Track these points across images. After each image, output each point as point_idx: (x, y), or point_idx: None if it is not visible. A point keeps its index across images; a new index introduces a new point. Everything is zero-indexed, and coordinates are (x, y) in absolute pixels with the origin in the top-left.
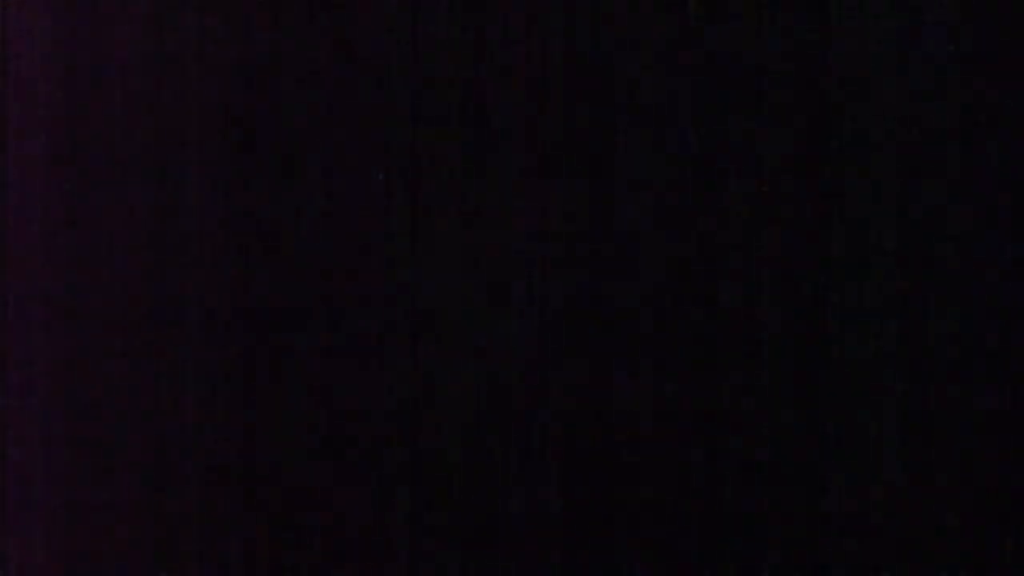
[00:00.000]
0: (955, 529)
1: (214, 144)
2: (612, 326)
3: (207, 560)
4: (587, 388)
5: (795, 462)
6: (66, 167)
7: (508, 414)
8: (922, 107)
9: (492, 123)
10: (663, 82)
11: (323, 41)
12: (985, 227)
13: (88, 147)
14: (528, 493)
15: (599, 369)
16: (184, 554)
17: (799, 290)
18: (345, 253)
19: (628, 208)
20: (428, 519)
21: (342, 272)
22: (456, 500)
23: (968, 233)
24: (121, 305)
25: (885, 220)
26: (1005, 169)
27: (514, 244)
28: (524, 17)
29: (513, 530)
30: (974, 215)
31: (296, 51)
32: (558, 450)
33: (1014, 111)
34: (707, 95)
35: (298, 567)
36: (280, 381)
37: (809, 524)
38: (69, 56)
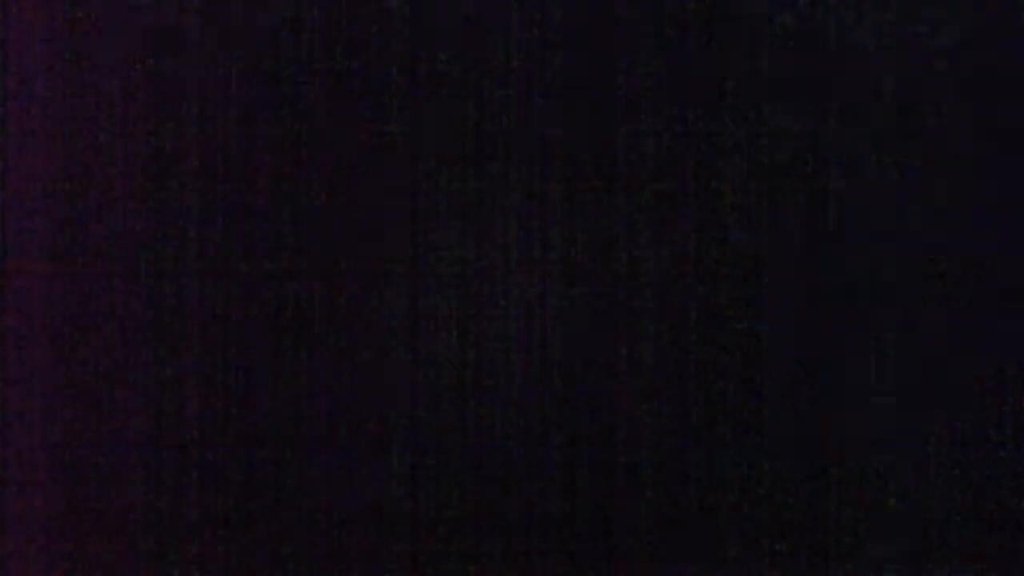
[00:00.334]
0: (954, 531)
1: (214, 143)
2: (613, 328)
3: (208, 560)
4: (588, 387)
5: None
6: (66, 167)
7: (508, 414)
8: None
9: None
10: (663, 82)
11: (323, 42)
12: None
13: (88, 147)
14: (528, 493)
15: (600, 370)
16: (185, 554)
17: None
18: (345, 253)
19: (628, 209)
20: (428, 519)
21: (342, 273)
22: (456, 500)
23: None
24: (121, 305)
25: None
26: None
27: (514, 244)
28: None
29: (513, 530)
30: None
31: (297, 52)
32: (558, 450)
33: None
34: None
35: (298, 567)
36: (280, 381)
37: (811, 528)
38: (69, 56)
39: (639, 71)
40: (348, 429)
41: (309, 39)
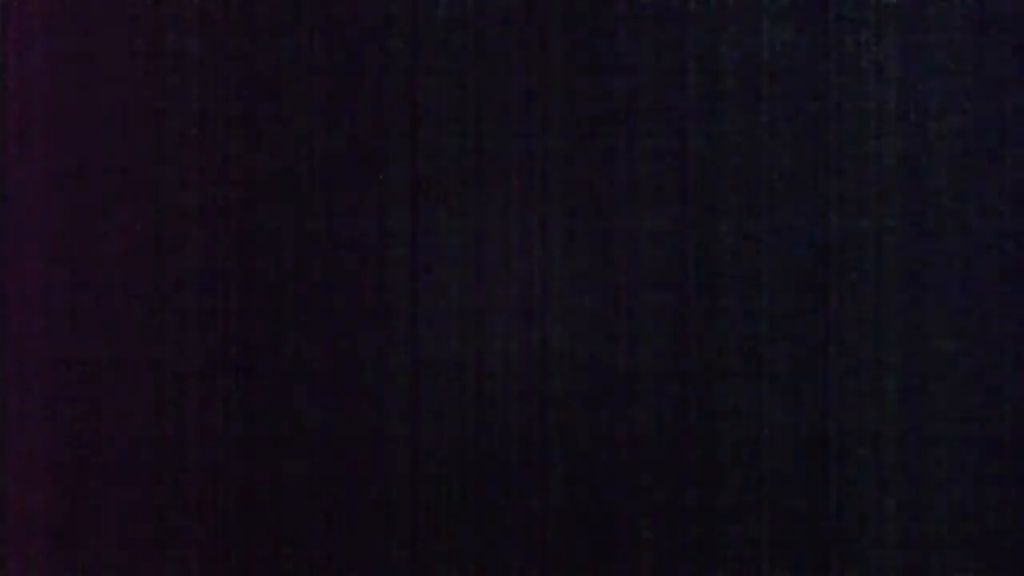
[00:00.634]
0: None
1: (214, 142)
2: (614, 327)
3: (208, 560)
4: (587, 388)
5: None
6: (67, 167)
7: (508, 415)
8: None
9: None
10: (663, 83)
11: (323, 43)
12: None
13: (88, 147)
14: (528, 493)
15: (600, 370)
16: (184, 555)
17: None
18: (345, 254)
19: (628, 209)
20: (428, 519)
21: (342, 273)
22: (456, 500)
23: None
24: (121, 305)
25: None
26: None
27: (514, 245)
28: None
29: (512, 530)
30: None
31: (297, 52)
32: (559, 451)
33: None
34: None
35: (298, 568)
36: (281, 381)
37: (813, 532)
38: (70, 56)
39: (639, 72)
40: (348, 429)
41: (309, 40)
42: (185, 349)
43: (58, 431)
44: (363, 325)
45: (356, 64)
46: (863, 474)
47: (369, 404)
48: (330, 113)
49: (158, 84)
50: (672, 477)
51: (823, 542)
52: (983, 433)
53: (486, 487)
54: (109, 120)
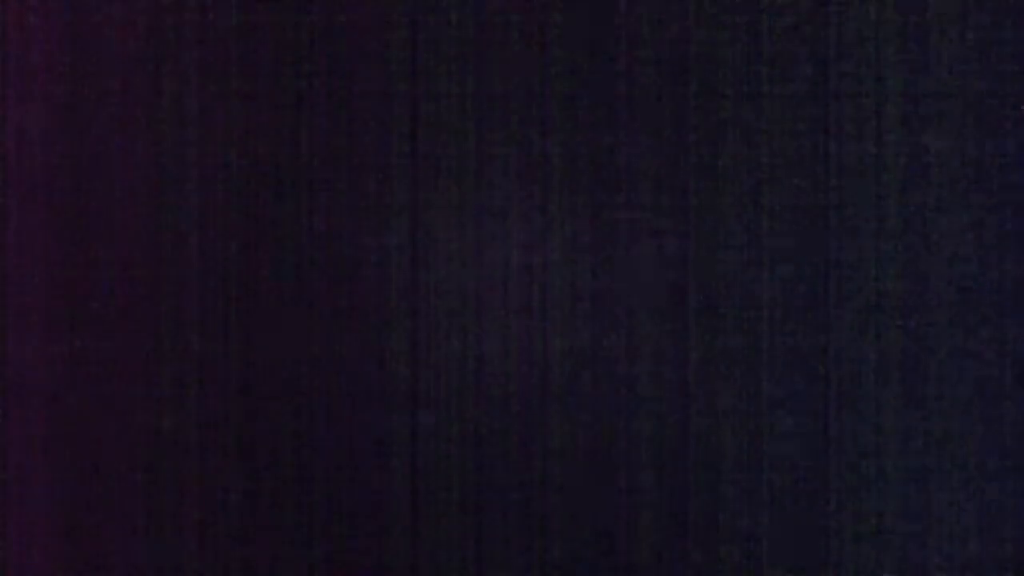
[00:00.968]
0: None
1: (214, 141)
2: (614, 327)
3: (208, 560)
4: (588, 388)
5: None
6: (66, 167)
7: (509, 415)
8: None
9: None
10: (663, 82)
11: (323, 43)
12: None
13: (89, 148)
14: (528, 493)
15: (600, 370)
16: (184, 554)
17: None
18: (345, 254)
19: (629, 210)
20: (428, 519)
21: (342, 273)
22: (456, 500)
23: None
24: (121, 305)
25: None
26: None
27: (514, 245)
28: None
29: (512, 531)
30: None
31: (298, 54)
32: (559, 451)
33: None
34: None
35: (298, 568)
36: (280, 381)
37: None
38: (70, 55)
39: (639, 73)
40: (348, 428)
41: (309, 42)
42: (185, 349)
43: (58, 431)
44: (363, 325)
45: (356, 64)
46: (863, 474)
47: (369, 403)
48: (330, 113)
49: (158, 84)
50: (672, 477)
51: (823, 542)
52: (983, 433)
53: (486, 487)
54: (109, 120)
